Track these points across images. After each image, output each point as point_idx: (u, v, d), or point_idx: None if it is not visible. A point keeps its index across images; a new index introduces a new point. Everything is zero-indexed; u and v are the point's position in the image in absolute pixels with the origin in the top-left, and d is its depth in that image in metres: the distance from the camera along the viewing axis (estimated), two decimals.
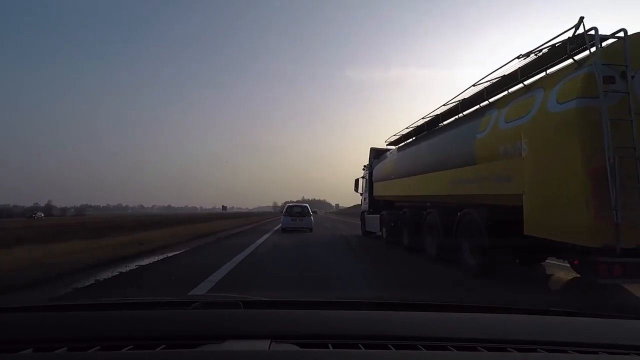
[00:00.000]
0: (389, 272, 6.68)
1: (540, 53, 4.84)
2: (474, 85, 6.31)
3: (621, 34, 4.07)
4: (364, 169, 14.80)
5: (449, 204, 6.92)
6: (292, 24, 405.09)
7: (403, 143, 10.59)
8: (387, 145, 11.83)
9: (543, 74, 5.06)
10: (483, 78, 6.01)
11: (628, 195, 3.65)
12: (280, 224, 17.69)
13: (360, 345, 0.90)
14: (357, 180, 15.39)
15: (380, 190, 11.85)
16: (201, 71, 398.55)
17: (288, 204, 18.69)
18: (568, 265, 6.40)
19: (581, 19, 4.16)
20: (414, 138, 9.70)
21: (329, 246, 10.59)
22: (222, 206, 45.51)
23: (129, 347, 0.88)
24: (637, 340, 0.95)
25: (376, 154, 13.38)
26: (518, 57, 5.15)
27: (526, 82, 5.19)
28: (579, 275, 4.86)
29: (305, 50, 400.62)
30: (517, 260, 6.15)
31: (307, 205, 18.47)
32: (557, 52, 4.64)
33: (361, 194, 15.22)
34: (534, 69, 5.09)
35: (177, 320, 1.05)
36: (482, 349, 0.88)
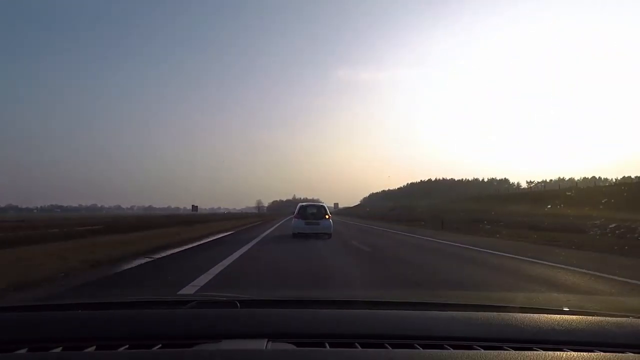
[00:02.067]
0: None
1: None
2: None
3: None
4: None
5: None
6: (281, 21, 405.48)
7: None
8: None
9: None
10: None
11: None
12: (292, 229, 15.63)
13: (356, 344, 0.98)
14: None
15: None
16: (185, 67, 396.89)
17: (301, 204, 16.59)
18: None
19: None
20: None
21: None
22: (192, 206, 38.66)
23: (125, 346, 0.95)
24: (633, 339, 1.04)
25: None
26: None
27: None
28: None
29: (298, 48, 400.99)
30: None
31: (324, 204, 16.40)
32: None
33: None
34: None
35: (173, 319, 1.13)
36: (478, 347, 0.97)
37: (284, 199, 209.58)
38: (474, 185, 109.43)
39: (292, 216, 16.84)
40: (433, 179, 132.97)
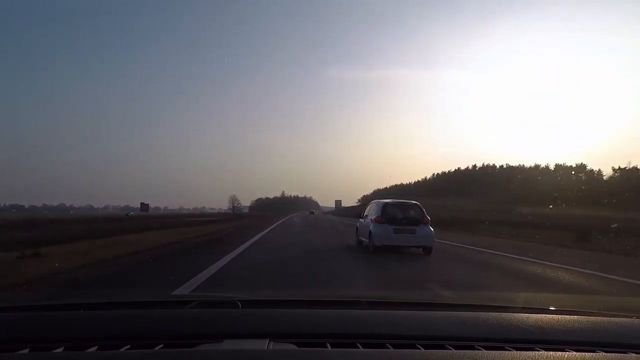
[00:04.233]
0: None
1: None
2: None
3: None
4: None
5: None
6: (268, 17, 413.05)
7: None
8: None
9: None
10: None
11: None
12: (372, 238, 11.37)
13: (358, 344, 1.08)
14: None
15: None
16: (165, 65, 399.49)
17: (383, 202, 12.18)
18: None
19: None
20: None
21: None
22: (141, 204, 32.31)
23: (127, 346, 1.05)
24: (634, 339, 1.15)
25: None
26: None
27: None
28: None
29: (292, 47, 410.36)
30: None
31: (418, 203, 12.00)
32: None
33: None
34: None
35: (175, 319, 1.23)
36: (480, 347, 1.07)
37: (271, 196, 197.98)
38: (539, 173, 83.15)
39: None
40: (478, 165, 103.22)
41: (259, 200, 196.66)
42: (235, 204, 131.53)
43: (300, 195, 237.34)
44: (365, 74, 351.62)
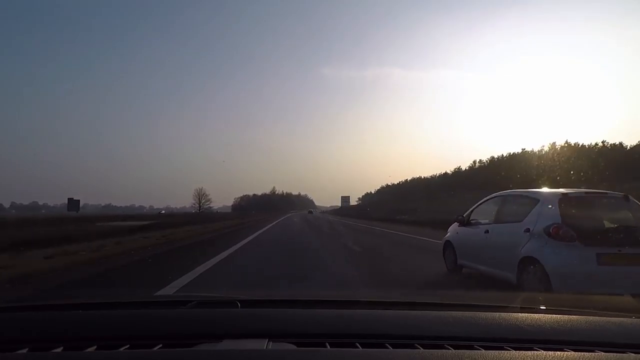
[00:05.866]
0: None
1: None
2: None
3: None
4: None
5: None
6: (258, 14, 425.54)
7: None
8: None
9: None
10: None
11: None
12: (537, 274, 5.21)
13: (357, 344, 1.14)
14: None
15: None
16: (161, 62, 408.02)
17: (559, 194, 5.80)
18: None
19: None
20: None
21: None
22: (69, 199, 27.34)
23: (126, 346, 1.11)
24: (633, 338, 1.22)
25: None
26: None
27: None
28: None
29: (290, 45, 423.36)
30: None
31: (631, 198, 5.66)
32: None
33: None
34: None
35: (174, 319, 1.29)
36: (479, 347, 1.13)
37: (259, 193, 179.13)
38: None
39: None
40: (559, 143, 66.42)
41: (244, 197, 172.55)
42: (203, 201, 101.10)
43: (294, 192, 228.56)
44: (362, 72, 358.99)
